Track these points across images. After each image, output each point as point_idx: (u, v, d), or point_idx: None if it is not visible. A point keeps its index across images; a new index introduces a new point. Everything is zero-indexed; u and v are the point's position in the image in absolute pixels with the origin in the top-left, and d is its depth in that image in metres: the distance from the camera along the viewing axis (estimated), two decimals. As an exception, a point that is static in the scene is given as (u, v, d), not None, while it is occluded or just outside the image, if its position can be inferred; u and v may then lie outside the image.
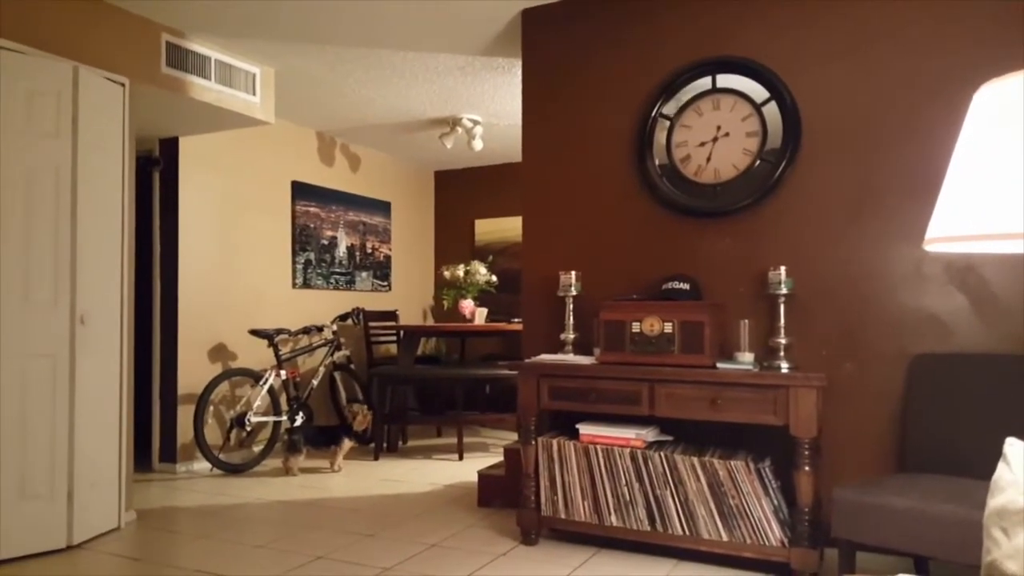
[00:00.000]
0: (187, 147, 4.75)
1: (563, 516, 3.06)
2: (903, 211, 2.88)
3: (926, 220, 2.83)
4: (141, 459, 4.61)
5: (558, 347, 3.40)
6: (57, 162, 3.10)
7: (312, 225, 5.79)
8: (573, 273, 3.27)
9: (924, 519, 2.14)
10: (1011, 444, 1.21)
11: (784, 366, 2.79)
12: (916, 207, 2.86)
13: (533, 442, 3.12)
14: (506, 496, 3.73)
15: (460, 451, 5.04)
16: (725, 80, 3.15)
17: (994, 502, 1.16)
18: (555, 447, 3.08)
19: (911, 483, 2.38)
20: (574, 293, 3.27)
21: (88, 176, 3.22)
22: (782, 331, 2.88)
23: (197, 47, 3.92)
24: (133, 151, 3.55)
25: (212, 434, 4.73)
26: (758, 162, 3.08)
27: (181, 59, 3.83)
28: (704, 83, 3.20)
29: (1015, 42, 2.71)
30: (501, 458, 4.26)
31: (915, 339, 2.85)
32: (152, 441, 4.73)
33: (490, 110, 5.22)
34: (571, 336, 3.27)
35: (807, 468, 2.63)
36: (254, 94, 4.26)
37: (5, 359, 2.95)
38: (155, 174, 4.76)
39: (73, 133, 3.15)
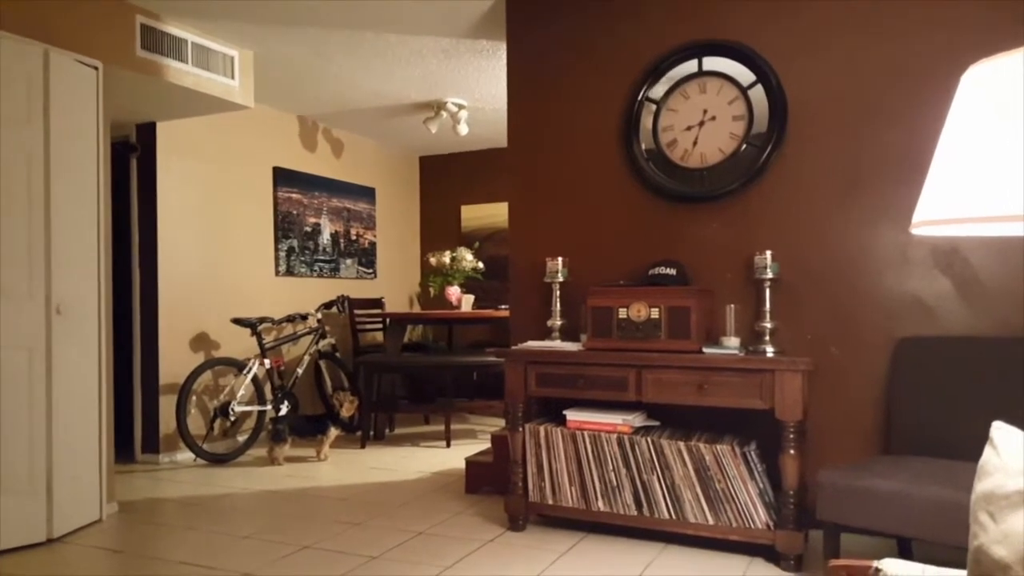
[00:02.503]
0: (165, 132, 4.66)
1: (551, 502, 3.05)
2: (889, 195, 2.88)
3: (912, 204, 2.83)
4: (123, 450, 4.56)
5: (545, 334, 3.39)
6: (29, 148, 3.03)
7: (295, 212, 5.72)
8: (560, 259, 3.25)
9: (909, 501, 2.15)
10: (997, 428, 1.20)
11: (769, 350, 2.79)
12: (902, 191, 2.85)
13: (520, 429, 3.11)
14: (494, 483, 3.73)
15: (448, 438, 5.02)
16: (712, 63, 3.12)
17: (981, 486, 1.15)
18: (542, 433, 3.07)
19: (896, 465, 2.39)
20: (561, 279, 3.25)
21: (62, 163, 3.15)
22: (768, 315, 2.87)
23: (173, 29, 3.83)
24: (108, 137, 3.47)
25: (195, 424, 4.68)
26: (744, 146, 3.06)
27: (157, 42, 3.74)
28: (690, 66, 3.16)
29: (1004, 26, 2.69)
30: (488, 445, 4.25)
31: (901, 322, 2.85)
32: (134, 432, 4.68)
33: (475, 94, 5.16)
34: (558, 323, 3.25)
35: (792, 452, 2.64)
36: (233, 78, 4.18)
37: (-20, 351, 2.89)
38: (132, 160, 4.67)
39: (45, 118, 3.07)
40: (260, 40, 4.13)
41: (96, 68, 3.37)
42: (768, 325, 2.86)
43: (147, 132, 4.63)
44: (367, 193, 6.50)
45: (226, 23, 3.89)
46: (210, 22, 3.87)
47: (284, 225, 5.61)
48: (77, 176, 3.24)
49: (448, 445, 5.02)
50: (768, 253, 2.87)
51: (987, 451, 1.18)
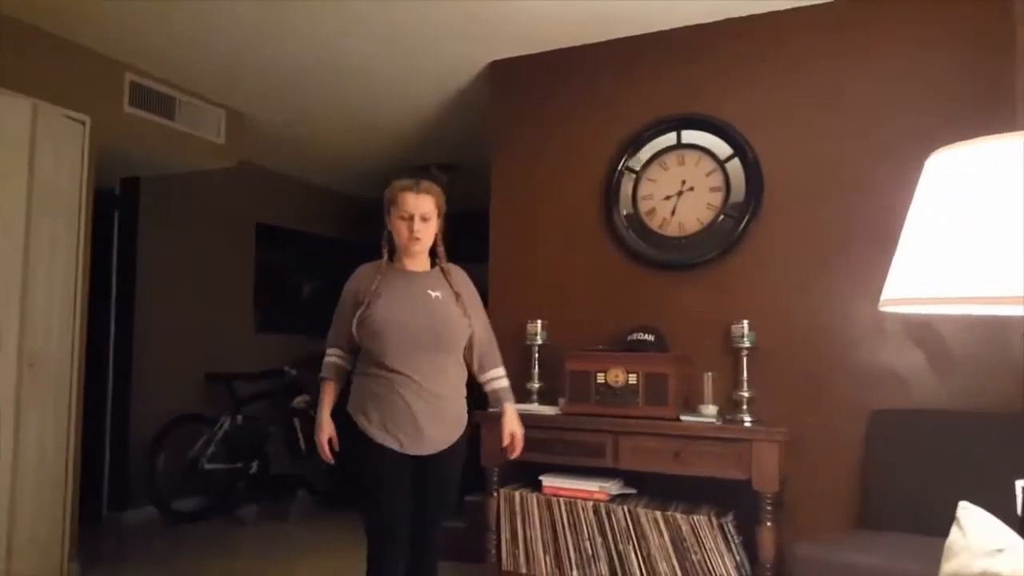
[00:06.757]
0: (148, 187, 4.67)
1: (524, 571, 2.98)
2: (864, 266, 2.93)
3: (886, 276, 2.89)
4: (89, 506, 4.40)
5: (523, 396, 3.36)
6: (12, 200, 3.02)
7: (275, 268, 5.71)
8: (539, 322, 3.26)
9: (885, 578, 2.13)
10: (964, 508, 1.21)
11: (747, 419, 2.79)
12: (877, 262, 2.87)
13: (495, 494, 3.06)
14: (465, 549, 3.63)
15: (422, 501, 4.91)
16: (690, 136, 3.22)
17: (947, 567, 1.15)
18: (517, 499, 3.02)
19: (873, 540, 2.38)
20: (540, 342, 3.25)
21: (43, 215, 3.14)
22: (745, 384, 2.88)
23: (162, 87, 3.89)
24: (91, 190, 3.48)
25: (164, 481, 4.54)
26: (722, 216, 3.13)
27: (145, 98, 3.79)
28: (670, 138, 3.26)
29: (966, 107, 2.81)
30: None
31: (875, 394, 2.87)
32: (102, 488, 4.53)
33: (457, 159, 5.25)
34: (536, 385, 3.23)
35: (769, 523, 2.61)
36: (219, 135, 4.23)
37: (-57, 404, 2.81)
38: (115, 213, 4.67)
39: (29, 172, 3.08)
40: (247, 101, 4.20)
41: (83, 123, 3.40)
42: (745, 394, 2.86)
43: (131, 185, 4.64)
44: (349, 251, 6.52)
45: (215, 83, 3.95)
46: (199, 81, 3.93)
47: (264, 281, 5.59)
48: (58, 230, 3.23)
49: (422, 508, 4.90)
50: (745, 322, 2.90)
51: (953, 531, 1.18)
